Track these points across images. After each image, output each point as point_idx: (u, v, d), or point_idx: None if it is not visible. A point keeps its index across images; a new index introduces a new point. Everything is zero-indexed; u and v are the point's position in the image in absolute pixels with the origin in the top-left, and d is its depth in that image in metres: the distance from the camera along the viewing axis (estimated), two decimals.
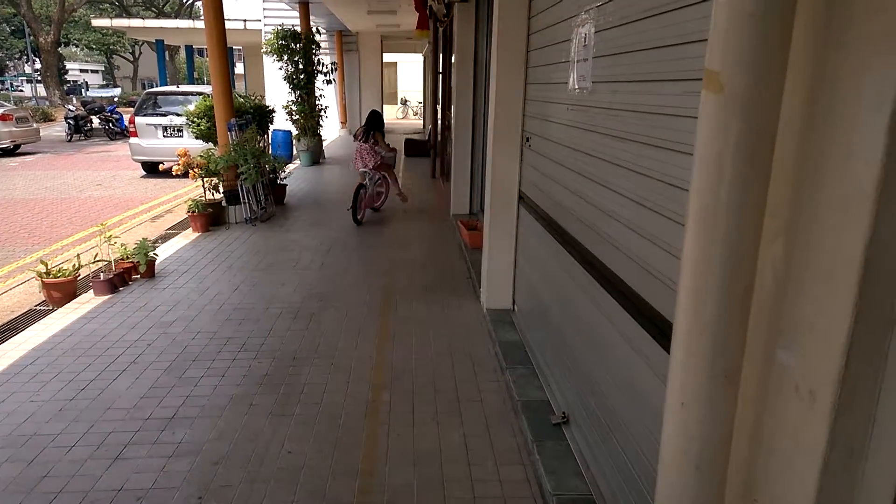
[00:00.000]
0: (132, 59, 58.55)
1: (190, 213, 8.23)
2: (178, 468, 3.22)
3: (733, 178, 1.27)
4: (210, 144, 9.46)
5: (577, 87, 3.32)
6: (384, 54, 23.56)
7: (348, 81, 21.64)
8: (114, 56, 61.14)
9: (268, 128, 10.69)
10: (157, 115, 13.69)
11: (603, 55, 2.89)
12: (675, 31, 2.10)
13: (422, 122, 27.55)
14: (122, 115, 22.98)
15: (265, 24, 18.83)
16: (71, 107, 23.27)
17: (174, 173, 8.65)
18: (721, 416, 1.40)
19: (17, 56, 59.22)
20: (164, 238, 8.09)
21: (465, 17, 8.47)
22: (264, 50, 14.12)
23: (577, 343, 3.31)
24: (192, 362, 4.41)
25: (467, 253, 7.09)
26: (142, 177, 13.90)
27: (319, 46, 14.40)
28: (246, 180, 8.48)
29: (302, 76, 13.96)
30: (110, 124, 22.56)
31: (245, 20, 22.16)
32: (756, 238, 1.31)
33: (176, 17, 43.74)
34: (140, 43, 50.99)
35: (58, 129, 24.97)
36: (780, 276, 1.31)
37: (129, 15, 43.22)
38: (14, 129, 17.45)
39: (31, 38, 37.77)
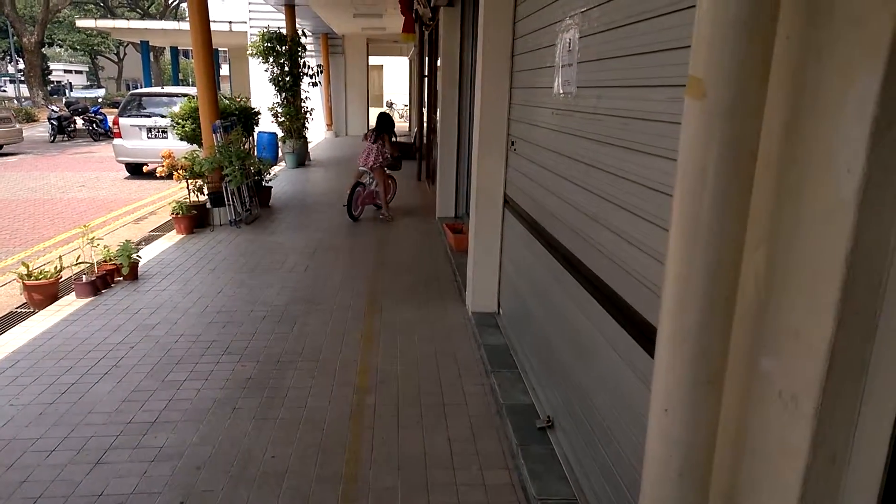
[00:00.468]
0: (117, 60, 58.19)
1: (174, 215, 8.17)
2: (160, 473, 3.19)
3: (716, 184, 1.27)
4: (195, 146, 9.41)
5: (561, 91, 3.33)
6: (370, 57, 23.54)
7: (334, 84, 21.60)
8: (98, 57, 60.74)
9: (253, 130, 10.65)
10: (141, 116, 13.60)
11: (588, 60, 2.90)
12: (659, 37, 2.10)
13: (407, 124, 27.54)
14: (105, 115, 22.82)
15: (251, 27, 18.73)
16: (54, 108, 23.06)
17: (158, 175, 8.61)
18: (704, 422, 1.40)
19: (0, 56, 58.64)
20: (148, 240, 8.02)
21: (450, 21, 8.49)
22: (250, 52, 14.06)
23: (561, 347, 3.31)
24: (175, 365, 4.37)
25: (453, 256, 7.09)
26: (125, 178, 13.79)
27: (305, 49, 14.36)
28: (231, 182, 8.43)
29: (287, 78, 13.91)
30: (94, 125, 22.39)
31: (230, 22, 22.08)
32: (739, 245, 1.32)
33: (161, 19, 43.51)
34: (125, 44, 50.62)
35: (41, 130, 24.75)
36: (763, 283, 1.31)
37: (114, 16, 42.98)
38: None
39: (15, 38, 37.41)
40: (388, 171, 9.25)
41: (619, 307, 2.45)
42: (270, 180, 10.39)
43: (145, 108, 13.79)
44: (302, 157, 14.89)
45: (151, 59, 33.91)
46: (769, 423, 1.31)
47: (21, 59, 38.56)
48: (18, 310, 5.57)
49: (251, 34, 17.06)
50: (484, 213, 5.12)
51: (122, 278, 6.15)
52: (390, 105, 35.41)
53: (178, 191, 10.95)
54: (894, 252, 1.11)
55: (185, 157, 8.45)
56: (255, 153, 10.52)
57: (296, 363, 4.44)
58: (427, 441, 3.52)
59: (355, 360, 4.52)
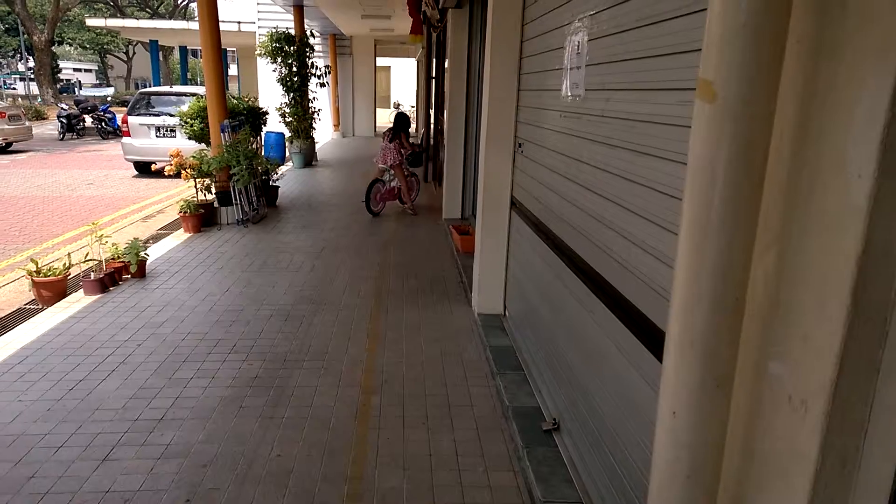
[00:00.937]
0: (126, 59, 58.36)
1: (182, 214, 8.19)
2: (167, 470, 3.20)
3: (726, 187, 1.27)
4: (203, 145, 9.43)
5: (569, 94, 3.33)
6: (378, 58, 23.57)
7: (342, 85, 21.63)
8: (107, 56, 61.02)
9: (261, 129, 10.68)
10: (150, 115, 13.65)
11: (596, 63, 2.90)
12: (668, 40, 2.10)
13: (414, 126, 27.56)
14: (114, 114, 22.90)
15: (259, 27, 18.79)
16: (64, 105, 23.15)
17: (166, 174, 8.63)
18: (713, 425, 1.40)
19: (10, 54, 58.94)
20: (156, 238, 8.06)
21: (458, 23, 8.49)
22: (258, 52, 14.10)
23: (568, 349, 3.31)
24: (182, 363, 4.38)
25: (459, 257, 7.09)
26: (134, 176, 13.84)
27: (313, 49, 14.39)
28: (238, 181, 8.46)
29: (295, 79, 13.95)
30: (103, 123, 22.47)
31: (239, 22, 22.16)
32: (749, 248, 1.31)
33: (170, 18, 43.66)
34: (134, 43, 50.89)
35: (50, 128, 24.86)
36: (773, 286, 1.31)
37: (124, 15, 43.09)
38: (6, 126, 17.36)
39: (25, 36, 37.65)
40: (409, 170, 9.75)
41: (625, 310, 2.44)
42: (277, 180, 10.42)
43: (154, 107, 13.84)
44: (309, 158, 14.92)
45: (160, 58, 34.04)
46: (778, 426, 1.30)
47: (31, 58, 38.79)
48: (27, 306, 5.60)
49: (260, 34, 17.15)
50: (491, 214, 5.12)
51: (129, 276, 6.17)
52: (397, 106, 35.42)
53: (185, 189, 10.97)
54: None
55: (194, 156, 8.49)
56: (263, 153, 10.55)
57: (302, 362, 4.45)
58: (432, 442, 3.52)
59: (361, 359, 4.53)
